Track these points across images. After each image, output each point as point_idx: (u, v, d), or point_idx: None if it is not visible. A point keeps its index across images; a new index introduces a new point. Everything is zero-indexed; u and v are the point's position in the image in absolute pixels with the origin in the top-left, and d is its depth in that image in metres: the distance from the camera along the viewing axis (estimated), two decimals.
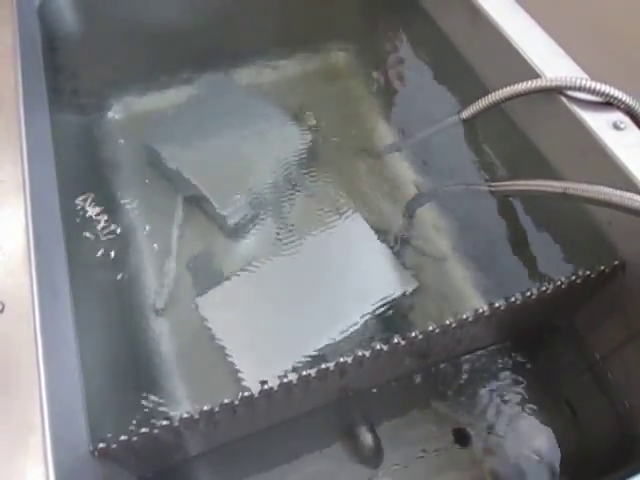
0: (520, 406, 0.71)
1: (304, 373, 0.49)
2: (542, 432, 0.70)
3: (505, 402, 0.71)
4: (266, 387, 0.48)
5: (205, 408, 0.47)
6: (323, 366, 0.49)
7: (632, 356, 0.61)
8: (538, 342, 0.73)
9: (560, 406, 0.70)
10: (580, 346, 0.67)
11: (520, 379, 0.72)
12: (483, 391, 0.71)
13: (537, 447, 0.69)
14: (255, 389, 0.48)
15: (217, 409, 0.47)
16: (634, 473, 0.46)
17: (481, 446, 0.68)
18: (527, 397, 0.71)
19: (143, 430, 0.46)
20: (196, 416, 0.47)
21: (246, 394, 0.48)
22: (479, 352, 0.72)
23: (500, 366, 0.73)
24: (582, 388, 0.69)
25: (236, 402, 0.48)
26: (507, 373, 0.73)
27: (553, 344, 0.72)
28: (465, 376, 0.72)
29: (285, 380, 0.48)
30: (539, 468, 0.68)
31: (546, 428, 0.70)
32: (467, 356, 0.72)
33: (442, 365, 0.71)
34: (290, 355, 0.67)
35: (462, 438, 0.69)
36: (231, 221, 0.81)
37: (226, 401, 0.47)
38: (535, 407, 0.71)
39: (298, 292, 0.73)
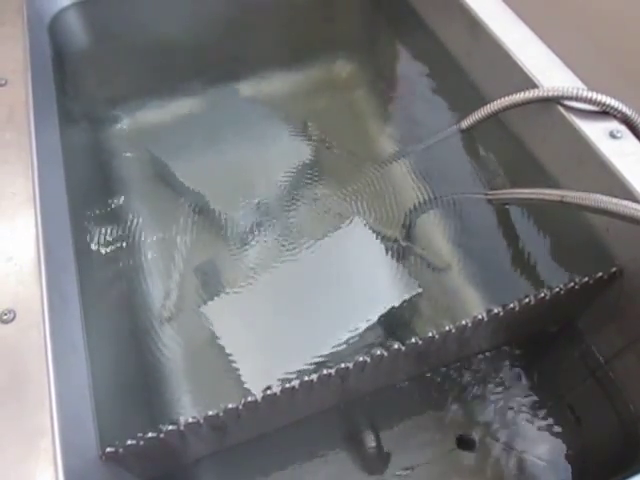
0: (523, 411, 0.71)
1: (306, 378, 0.49)
2: (546, 437, 0.70)
3: (508, 407, 0.71)
4: (269, 392, 0.49)
5: (210, 413, 0.48)
6: (325, 372, 0.50)
7: (634, 359, 0.61)
8: (540, 347, 0.73)
9: (563, 410, 0.71)
10: (582, 350, 0.67)
11: (522, 384, 0.72)
12: (486, 396, 0.72)
13: (541, 452, 0.69)
14: (259, 394, 0.49)
15: (221, 414, 0.48)
16: (635, 473, 0.47)
17: (485, 451, 0.69)
18: (530, 402, 0.72)
19: (150, 435, 0.47)
20: (201, 421, 0.47)
21: (250, 399, 0.48)
22: (480, 357, 0.72)
23: (502, 371, 0.73)
24: (585, 392, 0.69)
25: (240, 407, 0.48)
26: (509, 378, 0.73)
27: (555, 349, 0.72)
28: (467, 381, 0.72)
29: (287, 385, 0.49)
30: (543, 474, 0.68)
31: (550, 433, 0.70)
32: (469, 361, 0.72)
33: (444, 370, 0.72)
34: (295, 362, 0.68)
35: (466, 443, 0.69)
36: (236, 230, 0.82)
37: (230, 406, 0.48)
38: (538, 412, 0.71)
39: (303, 299, 0.74)
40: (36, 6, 0.77)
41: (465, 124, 0.72)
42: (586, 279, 0.56)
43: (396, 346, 0.52)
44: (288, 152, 0.88)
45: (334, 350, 0.68)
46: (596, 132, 0.60)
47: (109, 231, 0.80)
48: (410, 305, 0.73)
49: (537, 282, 0.69)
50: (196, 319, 0.74)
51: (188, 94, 0.99)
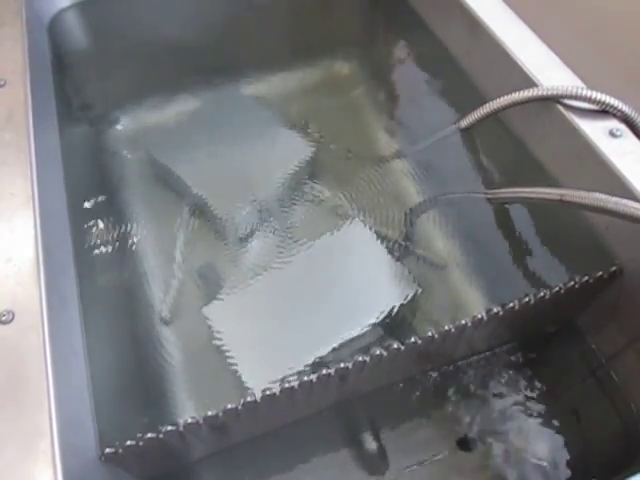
0: (524, 411, 0.71)
1: (305, 379, 0.50)
2: (546, 437, 0.70)
3: (508, 406, 0.71)
4: (268, 392, 0.49)
5: (209, 413, 0.48)
6: (324, 372, 0.50)
7: (635, 358, 0.61)
8: (540, 346, 0.73)
9: (564, 410, 0.71)
10: (583, 349, 0.67)
11: (522, 383, 0.72)
12: (486, 395, 0.72)
13: (542, 452, 0.68)
14: (258, 394, 0.49)
15: (221, 414, 0.48)
16: (636, 472, 0.47)
17: (485, 451, 0.69)
18: (530, 401, 0.72)
19: (149, 435, 0.47)
20: (200, 421, 0.48)
21: (249, 399, 0.48)
22: (480, 356, 0.72)
23: (502, 370, 0.73)
24: (585, 391, 0.69)
25: (239, 407, 0.48)
26: (509, 377, 0.73)
27: (555, 348, 0.72)
28: (468, 381, 0.72)
29: (287, 385, 0.49)
30: (544, 474, 0.68)
31: (550, 433, 0.70)
32: (469, 360, 0.72)
33: (444, 370, 0.72)
34: (294, 362, 0.68)
35: (466, 443, 0.69)
36: (236, 231, 0.82)
37: (230, 406, 0.48)
38: (539, 412, 0.71)
39: (303, 300, 0.74)
40: (35, 7, 0.77)
41: (464, 123, 0.72)
42: (586, 278, 0.57)
43: (395, 346, 0.52)
44: (288, 152, 0.88)
45: (334, 350, 0.68)
46: (596, 131, 0.60)
47: (108, 232, 0.80)
48: (410, 305, 0.73)
49: (537, 281, 0.69)
50: (196, 320, 0.74)
51: (187, 94, 0.99)
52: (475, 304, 0.78)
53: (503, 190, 0.70)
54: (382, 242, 0.78)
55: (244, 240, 0.83)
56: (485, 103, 0.68)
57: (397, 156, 0.91)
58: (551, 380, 0.73)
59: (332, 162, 0.92)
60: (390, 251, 0.77)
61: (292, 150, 0.88)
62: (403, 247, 0.81)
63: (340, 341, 0.69)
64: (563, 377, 0.72)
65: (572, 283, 0.56)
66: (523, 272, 0.71)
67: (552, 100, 0.63)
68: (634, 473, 0.46)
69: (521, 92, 0.64)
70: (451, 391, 0.72)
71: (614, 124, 0.60)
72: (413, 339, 0.53)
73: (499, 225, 0.74)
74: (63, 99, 0.74)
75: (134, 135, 0.97)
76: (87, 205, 0.77)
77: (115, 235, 0.81)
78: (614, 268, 0.58)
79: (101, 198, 0.84)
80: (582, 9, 0.75)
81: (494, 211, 0.74)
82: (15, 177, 0.55)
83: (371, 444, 0.67)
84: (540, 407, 0.71)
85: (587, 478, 0.67)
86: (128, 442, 0.46)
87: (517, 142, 0.69)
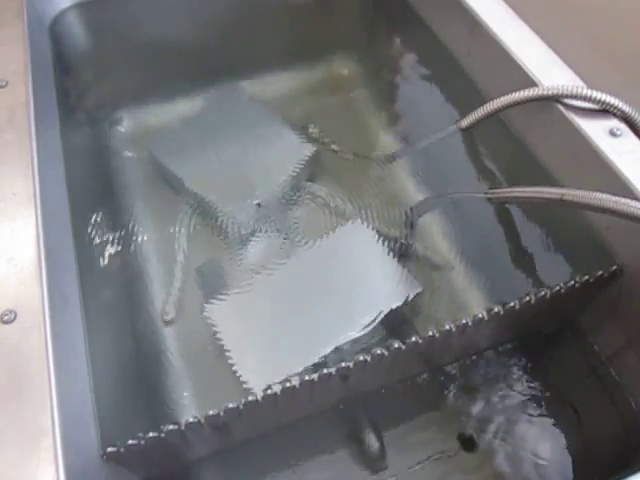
0: (524, 409, 0.71)
1: (306, 378, 0.50)
2: (547, 436, 0.70)
3: (509, 405, 0.71)
4: (270, 392, 0.49)
5: (211, 412, 0.48)
6: (325, 371, 0.50)
7: (635, 357, 0.61)
8: (541, 345, 0.74)
9: (564, 408, 0.71)
10: (584, 348, 0.67)
11: (523, 382, 0.73)
12: (487, 394, 0.72)
13: (542, 451, 0.69)
14: (259, 394, 0.49)
15: (222, 413, 0.48)
16: (637, 471, 0.47)
17: (486, 450, 0.69)
18: (531, 400, 0.72)
19: (151, 434, 0.47)
20: (202, 420, 0.48)
21: (250, 399, 0.49)
22: (482, 356, 0.73)
23: (503, 369, 0.73)
24: (586, 390, 0.69)
25: (241, 407, 0.48)
26: (510, 376, 0.73)
27: (556, 347, 0.73)
28: (468, 380, 0.72)
29: (288, 385, 0.49)
30: (544, 472, 0.68)
31: (551, 432, 0.70)
32: (470, 360, 0.72)
33: (445, 369, 0.72)
34: (296, 361, 0.68)
35: (467, 442, 0.69)
36: (237, 230, 0.82)
37: (231, 405, 0.48)
38: (539, 410, 0.71)
39: (304, 299, 0.74)
40: (37, 8, 0.77)
41: (465, 123, 0.72)
42: (586, 277, 0.57)
43: (396, 345, 0.52)
44: (288, 152, 0.88)
45: (335, 350, 0.68)
46: (596, 130, 0.60)
47: (110, 231, 0.81)
48: (411, 304, 0.73)
49: (538, 281, 0.70)
50: (197, 319, 0.74)
51: (189, 95, 0.99)
52: (476, 303, 0.78)
53: (503, 190, 0.70)
54: (383, 242, 0.78)
55: (245, 240, 0.83)
56: (485, 103, 0.68)
57: (397, 156, 0.91)
58: (552, 379, 0.73)
59: (332, 162, 0.92)
60: (391, 251, 0.77)
61: (292, 150, 0.89)
62: (404, 247, 0.81)
63: (341, 341, 0.69)
64: (564, 376, 0.72)
65: (573, 282, 0.56)
66: (524, 271, 0.71)
67: (552, 99, 0.63)
68: (634, 472, 0.46)
69: (521, 92, 0.64)
70: (452, 390, 0.72)
71: (614, 123, 0.60)
72: (414, 338, 0.53)
73: (499, 225, 0.74)
74: (65, 99, 0.74)
75: (136, 135, 0.97)
76: (89, 205, 0.77)
77: (117, 234, 0.81)
78: (614, 267, 0.58)
79: (103, 198, 0.85)
80: (582, 9, 0.75)
81: (494, 211, 0.74)
82: (17, 177, 0.55)
83: (372, 443, 0.67)
84: (541, 406, 0.71)
85: (587, 477, 0.67)
86: (130, 441, 0.46)
87: (517, 142, 0.69)
